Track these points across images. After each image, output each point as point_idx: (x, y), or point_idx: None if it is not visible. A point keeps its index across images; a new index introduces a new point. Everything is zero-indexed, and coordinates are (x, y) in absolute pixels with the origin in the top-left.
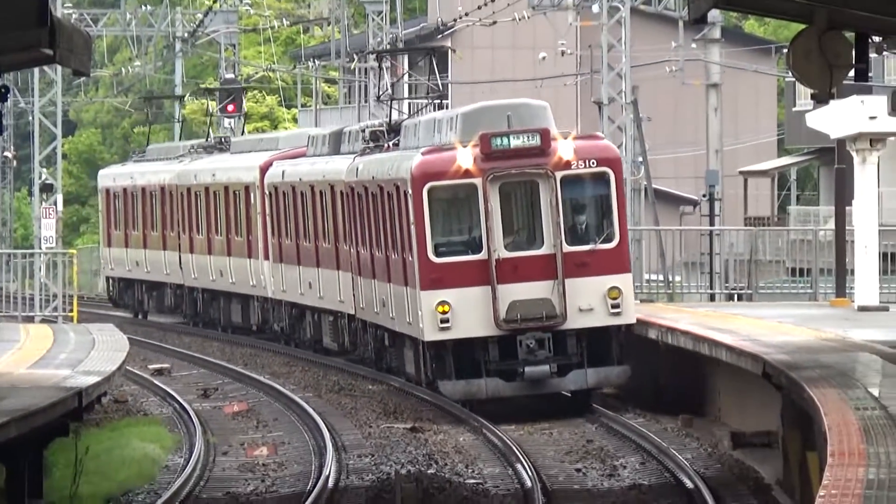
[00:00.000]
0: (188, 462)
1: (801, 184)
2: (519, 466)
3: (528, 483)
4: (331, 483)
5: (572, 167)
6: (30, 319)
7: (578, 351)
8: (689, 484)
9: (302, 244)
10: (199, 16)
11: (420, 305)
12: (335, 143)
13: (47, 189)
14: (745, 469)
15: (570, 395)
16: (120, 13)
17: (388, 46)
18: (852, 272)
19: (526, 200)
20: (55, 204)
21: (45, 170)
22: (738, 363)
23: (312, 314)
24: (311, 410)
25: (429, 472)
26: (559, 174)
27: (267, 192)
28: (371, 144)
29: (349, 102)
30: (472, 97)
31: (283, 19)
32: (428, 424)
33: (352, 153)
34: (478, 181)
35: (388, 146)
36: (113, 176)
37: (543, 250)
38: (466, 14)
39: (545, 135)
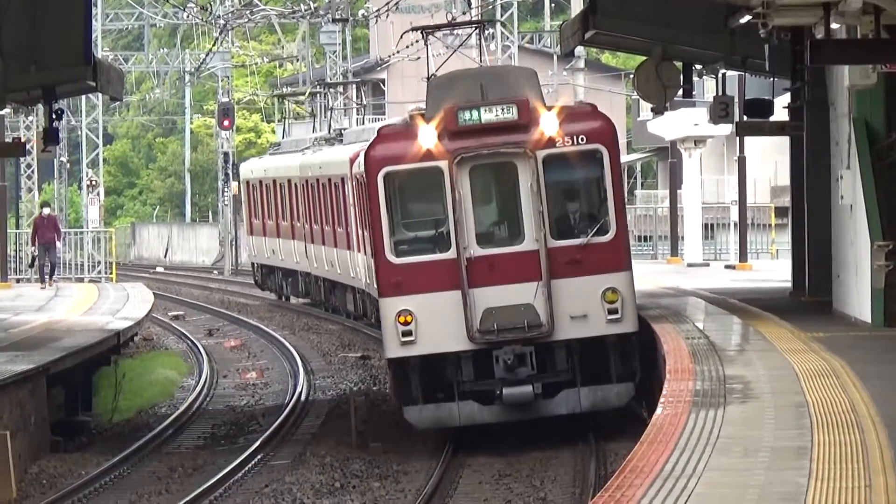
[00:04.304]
0: (198, 383)
1: (644, 174)
2: None
3: None
4: (303, 397)
5: (557, 144)
6: (80, 280)
7: (569, 367)
8: None
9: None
10: (203, 55)
11: (380, 315)
12: None
13: (92, 185)
14: None
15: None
16: (144, 54)
17: (342, 77)
18: (682, 238)
19: (502, 186)
20: (98, 195)
21: (90, 170)
22: None
23: None
24: (287, 345)
25: (374, 388)
26: (541, 153)
27: (353, 184)
28: None
29: (313, 117)
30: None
31: (264, 57)
32: (373, 353)
33: None
34: (443, 164)
35: None
36: (251, 169)
37: (524, 246)
38: (398, 52)
39: (523, 106)
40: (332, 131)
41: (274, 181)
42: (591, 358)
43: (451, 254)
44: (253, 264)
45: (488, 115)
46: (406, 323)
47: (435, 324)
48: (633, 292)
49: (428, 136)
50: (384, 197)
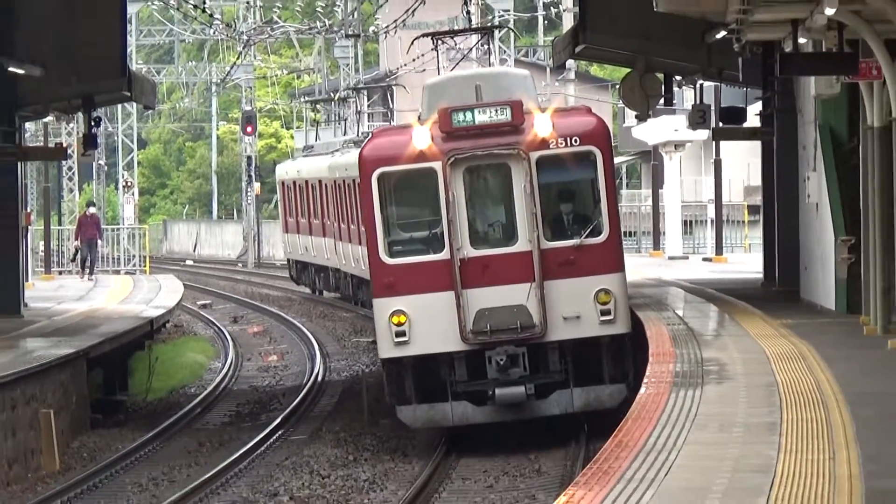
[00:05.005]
0: (224, 366)
1: (629, 175)
2: None
3: None
4: (319, 378)
5: (550, 146)
6: (117, 272)
7: (562, 368)
8: None
9: None
10: (228, 68)
11: (374, 315)
12: None
13: (128, 186)
14: None
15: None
16: (174, 67)
17: (353, 87)
18: (663, 233)
19: (496, 187)
20: (133, 195)
21: (126, 172)
22: None
23: None
24: (305, 331)
25: None
26: (535, 155)
27: None
28: None
29: (328, 125)
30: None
31: (284, 69)
32: None
33: None
34: (437, 165)
35: None
36: (286, 170)
37: (518, 247)
38: (405, 64)
39: (517, 108)
40: (360, 134)
41: (306, 182)
42: (584, 359)
43: (444, 254)
44: (288, 260)
45: (482, 117)
46: (400, 323)
47: (428, 324)
48: (625, 293)
49: (422, 138)
50: (378, 198)
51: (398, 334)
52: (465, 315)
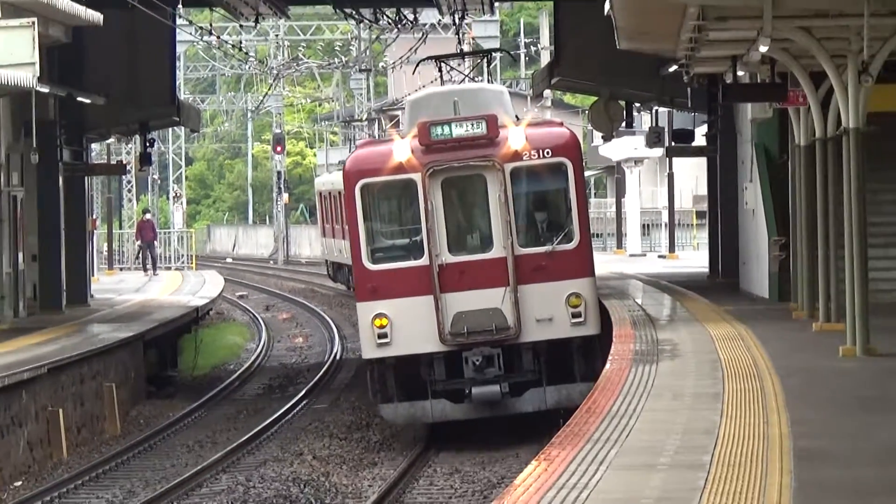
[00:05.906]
0: (258, 346)
1: (596, 186)
2: None
3: None
4: (338, 357)
5: (523, 157)
6: (168, 269)
7: (535, 367)
8: None
9: None
10: (261, 97)
11: (358, 318)
12: None
13: (177, 196)
14: None
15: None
16: (216, 96)
17: (367, 112)
18: (625, 234)
19: (472, 197)
20: (182, 204)
21: (175, 185)
22: None
23: None
24: (326, 317)
25: None
26: (509, 166)
27: None
28: None
29: (345, 145)
30: None
31: (307, 98)
32: None
33: None
34: (416, 176)
35: None
36: (322, 182)
37: (493, 253)
38: (409, 94)
39: (492, 122)
40: None
41: (339, 192)
42: (556, 359)
43: (424, 261)
44: (326, 261)
45: (459, 130)
46: (382, 326)
47: (409, 327)
48: (595, 297)
49: (402, 150)
50: (361, 207)
51: (380, 336)
52: (443, 318)
